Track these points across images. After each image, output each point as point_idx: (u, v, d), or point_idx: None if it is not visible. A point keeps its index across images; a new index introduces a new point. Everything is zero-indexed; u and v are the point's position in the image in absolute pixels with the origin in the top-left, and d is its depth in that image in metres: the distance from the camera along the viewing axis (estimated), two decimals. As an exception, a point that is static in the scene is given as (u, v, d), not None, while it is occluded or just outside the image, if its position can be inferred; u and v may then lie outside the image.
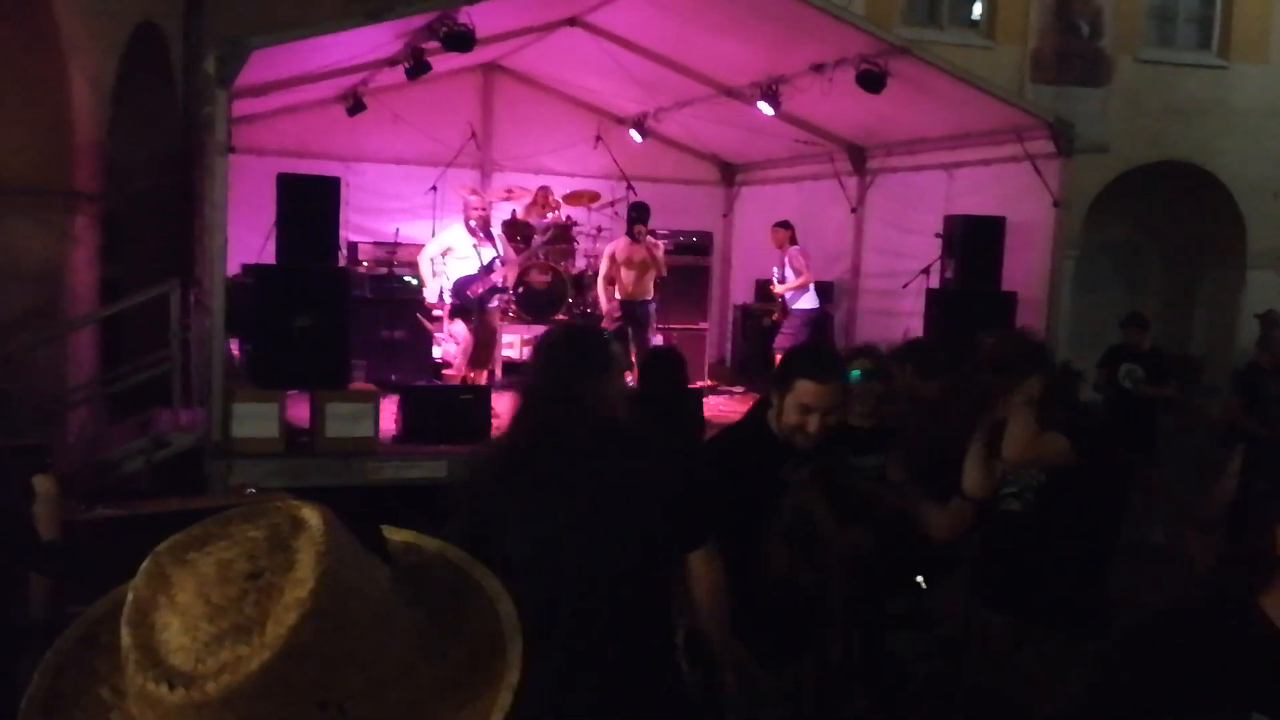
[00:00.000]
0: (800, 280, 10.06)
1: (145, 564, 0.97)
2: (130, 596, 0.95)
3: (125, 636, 0.93)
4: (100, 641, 1.03)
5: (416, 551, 1.13)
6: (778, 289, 10.13)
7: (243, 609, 0.92)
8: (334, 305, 7.57)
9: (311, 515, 0.99)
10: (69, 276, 8.44)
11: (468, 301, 9.04)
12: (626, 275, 9.85)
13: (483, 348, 9.22)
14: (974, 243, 9.03)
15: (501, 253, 9.36)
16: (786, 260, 10.10)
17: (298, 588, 0.92)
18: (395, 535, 1.13)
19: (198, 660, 0.90)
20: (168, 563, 0.96)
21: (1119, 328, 9.10)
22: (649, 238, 9.94)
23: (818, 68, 8.90)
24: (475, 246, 9.14)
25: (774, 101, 9.39)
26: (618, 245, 9.99)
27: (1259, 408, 7.41)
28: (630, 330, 9.82)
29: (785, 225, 10.27)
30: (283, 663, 0.90)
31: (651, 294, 10.00)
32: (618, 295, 9.88)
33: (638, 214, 9.89)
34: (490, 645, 1.06)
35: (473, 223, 9.19)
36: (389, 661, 0.99)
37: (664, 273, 10.13)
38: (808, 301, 10.15)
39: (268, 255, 8.54)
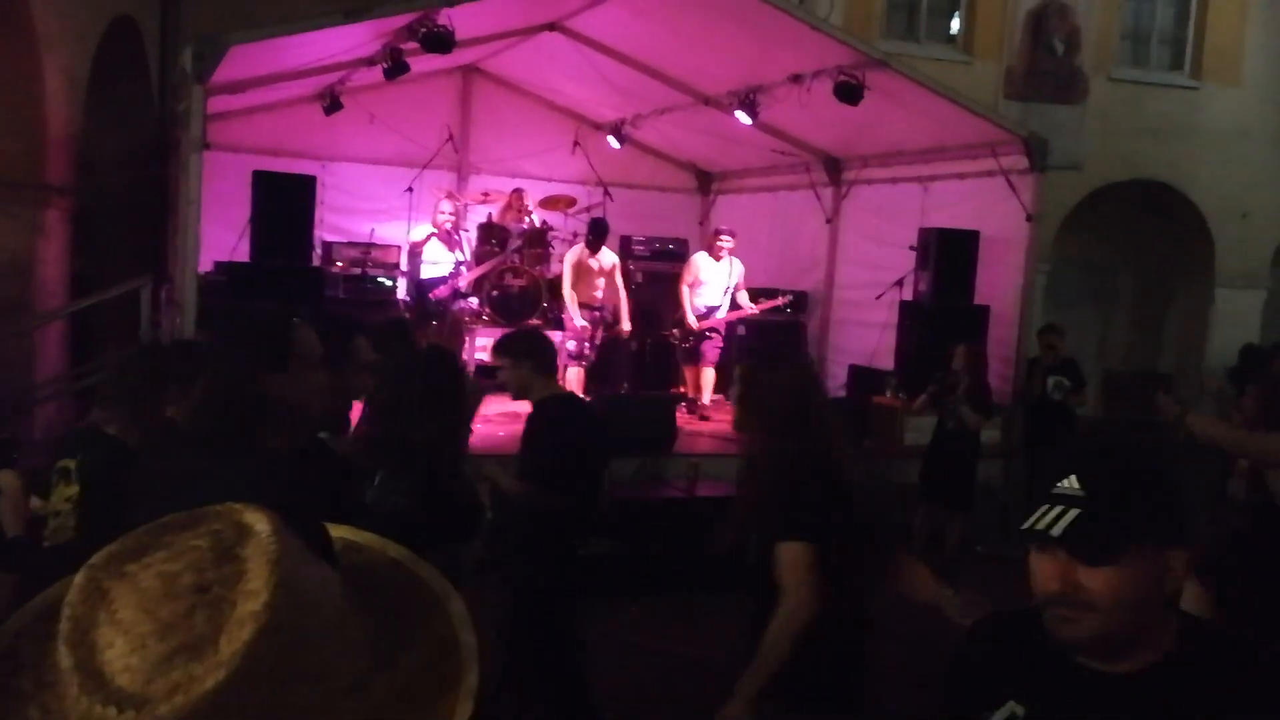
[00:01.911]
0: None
1: (78, 578, 0.90)
2: (66, 613, 0.88)
3: (64, 657, 0.87)
4: (23, 659, 0.97)
5: (356, 550, 1.08)
6: (752, 309, 10.03)
7: (192, 625, 0.86)
8: (307, 304, 7.54)
9: (257, 520, 0.93)
10: (39, 270, 8.36)
11: (428, 305, 9.04)
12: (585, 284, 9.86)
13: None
14: (948, 256, 9.11)
15: (467, 256, 9.36)
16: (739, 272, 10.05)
17: (250, 600, 0.87)
18: (335, 533, 1.08)
19: (147, 681, 0.85)
20: (104, 576, 0.90)
21: (1036, 336, 9.06)
22: (606, 252, 9.91)
23: (796, 78, 8.95)
24: (444, 249, 9.16)
25: (751, 111, 9.43)
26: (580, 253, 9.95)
27: None
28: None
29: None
30: (238, 681, 0.85)
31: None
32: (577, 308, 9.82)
33: (595, 232, 9.85)
34: (443, 649, 1.02)
35: (446, 227, 9.19)
36: (343, 673, 0.95)
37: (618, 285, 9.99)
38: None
39: (241, 253, 8.52)
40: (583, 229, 11.17)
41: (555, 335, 10.29)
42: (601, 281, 9.84)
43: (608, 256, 9.92)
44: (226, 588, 0.88)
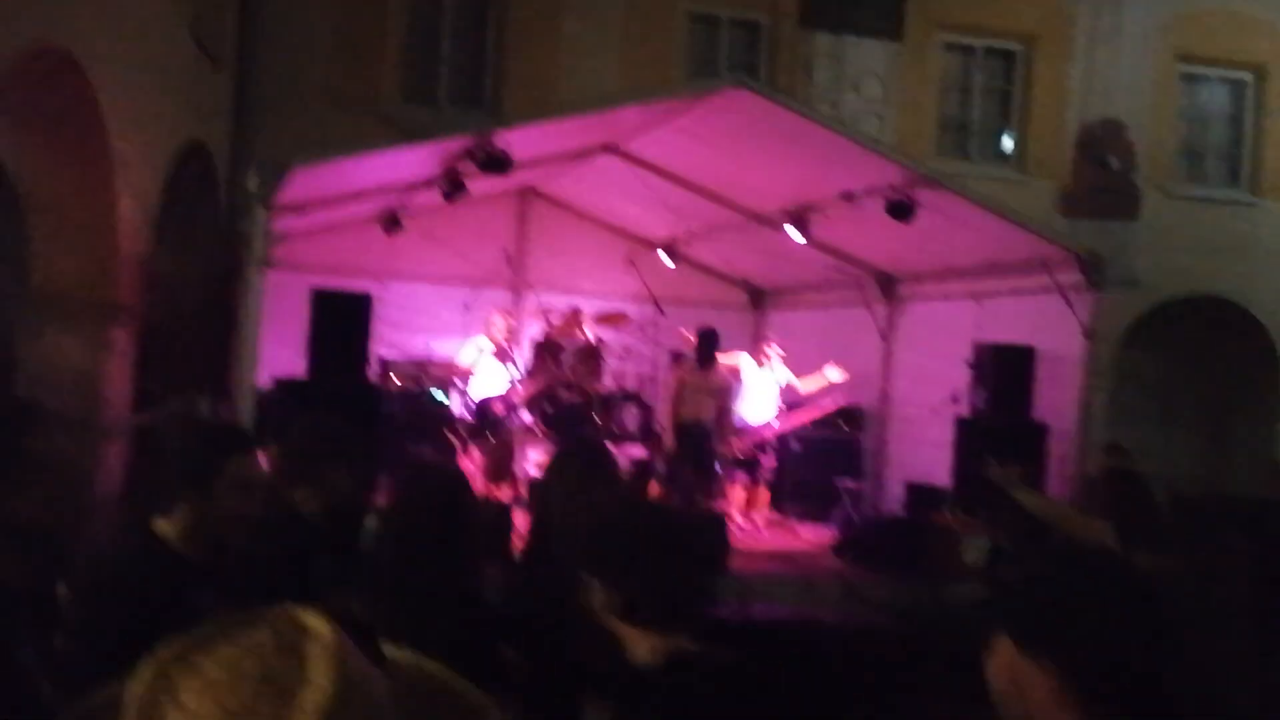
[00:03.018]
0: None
1: (144, 666, 0.94)
2: (132, 700, 0.92)
3: None
4: None
5: (395, 665, 1.12)
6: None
7: (257, 711, 0.89)
8: (363, 419, 7.60)
9: (317, 622, 0.97)
10: (104, 386, 8.54)
11: (488, 417, 9.08)
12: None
13: (501, 464, 9.23)
14: (1004, 372, 9.00)
15: (520, 373, 9.42)
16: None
17: (314, 691, 0.91)
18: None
19: None
20: (170, 664, 0.93)
21: (1103, 454, 8.88)
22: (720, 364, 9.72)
23: (847, 196, 9.02)
24: (497, 362, 9.25)
25: (803, 228, 9.50)
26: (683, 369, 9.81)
27: None
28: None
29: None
30: None
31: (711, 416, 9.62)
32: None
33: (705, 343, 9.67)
34: None
35: (503, 342, 9.29)
36: None
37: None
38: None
39: (299, 369, 8.65)
40: (635, 344, 11.23)
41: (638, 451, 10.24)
42: (712, 402, 9.49)
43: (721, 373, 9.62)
44: (290, 679, 0.92)
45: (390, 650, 1.12)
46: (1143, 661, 1.58)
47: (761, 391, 9.81)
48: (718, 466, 9.53)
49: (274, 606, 1.01)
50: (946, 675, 3.42)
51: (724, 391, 9.56)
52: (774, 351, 9.81)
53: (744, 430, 9.76)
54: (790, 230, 9.56)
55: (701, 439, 9.35)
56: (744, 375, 9.85)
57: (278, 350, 8.81)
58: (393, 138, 8.22)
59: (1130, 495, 4.74)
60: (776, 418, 9.85)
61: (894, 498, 10.27)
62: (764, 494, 9.89)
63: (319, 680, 0.91)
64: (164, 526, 2.38)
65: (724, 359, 10.24)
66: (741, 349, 12.19)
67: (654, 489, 9.38)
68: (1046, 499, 5.30)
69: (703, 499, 9.26)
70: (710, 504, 9.31)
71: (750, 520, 9.89)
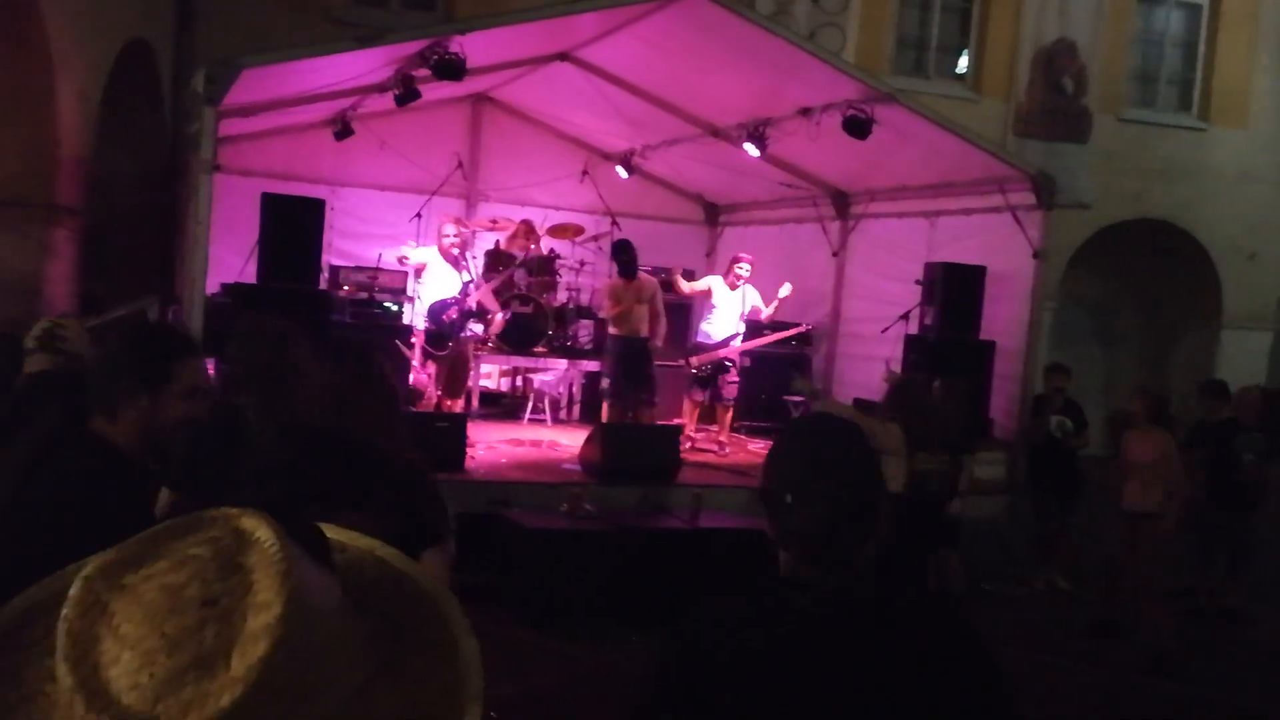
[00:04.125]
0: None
1: (74, 590, 0.87)
2: (63, 628, 0.85)
3: (65, 674, 0.84)
4: (2, 667, 0.94)
5: (340, 550, 1.05)
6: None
7: (202, 640, 0.83)
8: (313, 328, 7.52)
9: (257, 527, 0.90)
10: (46, 290, 8.38)
11: (442, 327, 9.01)
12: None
13: (455, 376, 9.17)
14: (954, 291, 9.10)
15: (475, 277, 9.33)
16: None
17: (263, 613, 0.84)
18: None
19: (156, 699, 0.82)
20: (103, 589, 0.86)
21: (1044, 375, 8.99)
22: (640, 275, 9.65)
23: (805, 111, 8.99)
24: (450, 271, 9.15)
25: (760, 143, 9.45)
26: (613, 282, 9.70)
27: None
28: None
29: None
30: (252, 697, 0.82)
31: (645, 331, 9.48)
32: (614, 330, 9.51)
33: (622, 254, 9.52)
34: (443, 653, 1.00)
35: (454, 251, 9.19)
36: (349, 681, 0.92)
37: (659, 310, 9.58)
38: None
39: (247, 276, 8.53)
40: (590, 258, 11.17)
41: (593, 366, 10.21)
42: (644, 311, 9.37)
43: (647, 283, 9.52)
44: (235, 600, 0.85)
45: (332, 534, 1.04)
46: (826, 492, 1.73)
47: (729, 313, 9.81)
48: (652, 377, 9.51)
49: (210, 509, 0.94)
50: None
51: (654, 299, 9.52)
52: (744, 271, 9.75)
53: (704, 347, 9.77)
54: (747, 146, 9.51)
55: (639, 353, 9.37)
56: (715, 298, 9.83)
57: (224, 256, 8.68)
58: (341, 39, 8.00)
59: (912, 402, 5.19)
60: (739, 337, 9.86)
61: (842, 413, 10.38)
62: (727, 413, 9.87)
63: (267, 599, 0.85)
64: (102, 426, 2.35)
65: (696, 283, 10.25)
66: (696, 264, 12.27)
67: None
68: (843, 404, 6.00)
69: (644, 413, 9.31)
70: (649, 417, 9.36)
71: (710, 435, 9.96)
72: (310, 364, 3.13)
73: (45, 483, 2.22)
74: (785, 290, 9.68)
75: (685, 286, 10.21)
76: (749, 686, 1.62)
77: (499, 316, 9.65)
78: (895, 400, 6.36)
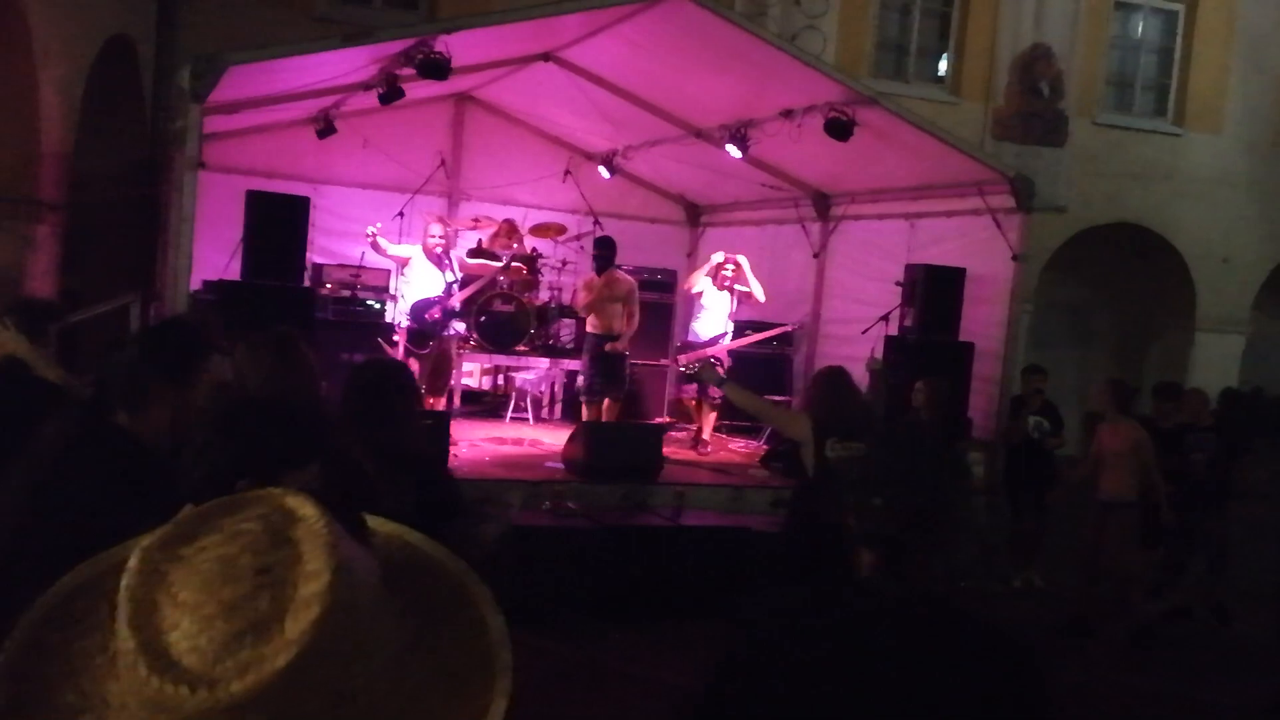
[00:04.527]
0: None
1: (134, 560, 0.93)
2: (125, 595, 0.91)
3: (127, 638, 0.89)
4: (48, 645, 0.99)
5: (372, 534, 1.11)
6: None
7: (257, 606, 0.90)
8: (296, 325, 7.51)
9: (302, 506, 0.97)
10: (27, 284, 8.35)
11: (425, 325, 9.02)
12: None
13: (438, 374, 9.18)
14: (934, 292, 9.18)
15: (458, 277, 9.34)
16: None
17: (313, 581, 0.91)
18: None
19: (215, 661, 0.88)
20: (161, 559, 0.92)
21: (1021, 376, 9.09)
22: (617, 272, 9.74)
23: (787, 113, 9.05)
24: (434, 270, 9.15)
25: (742, 145, 9.51)
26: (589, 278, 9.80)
27: None
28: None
29: None
30: (305, 658, 0.88)
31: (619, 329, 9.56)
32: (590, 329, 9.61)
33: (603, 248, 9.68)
34: (473, 628, 1.05)
35: (437, 250, 9.19)
36: (387, 649, 0.98)
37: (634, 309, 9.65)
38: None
39: (230, 273, 8.52)
40: (572, 257, 11.19)
41: (575, 364, 10.23)
42: (618, 309, 9.45)
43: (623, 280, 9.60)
44: (286, 569, 0.92)
45: (370, 521, 1.11)
46: None
47: (717, 313, 9.85)
48: (627, 374, 9.59)
49: (253, 490, 1.00)
50: None
51: (628, 298, 9.56)
52: (731, 271, 9.78)
53: (692, 346, 9.81)
54: (729, 147, 9.57)
55: (608, 350, 9.42)
56: (704, 298, 9.88)
57: (207, 253, 8.65)
58: (330, 37, 8.00)
59: (830, 393, 5.38)
60: (727, 336, 9.92)
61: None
62: (713, 413, 9.89)
63: (316, 569, 0.91)
64: (125, 420, 2.39)
65: (687, 282, 10.25)
66: (678, 264, 12.32)
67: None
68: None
69: (610, 409, 9.38)
70: (614, 414, 9.42)
71: (693, 434, 10.00)
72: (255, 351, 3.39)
73: (75, 472, 2.26)
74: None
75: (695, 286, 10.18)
76: (810, 699, 1.70)
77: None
78: (815, 392, 6.10)
